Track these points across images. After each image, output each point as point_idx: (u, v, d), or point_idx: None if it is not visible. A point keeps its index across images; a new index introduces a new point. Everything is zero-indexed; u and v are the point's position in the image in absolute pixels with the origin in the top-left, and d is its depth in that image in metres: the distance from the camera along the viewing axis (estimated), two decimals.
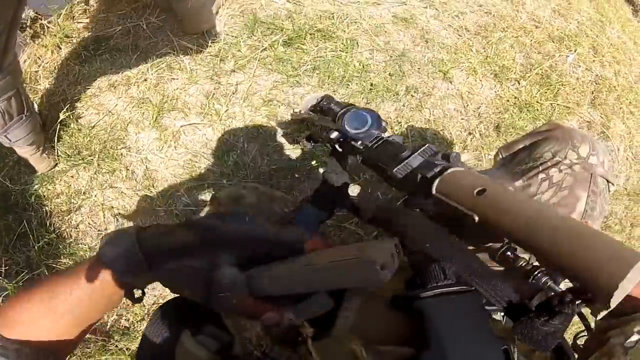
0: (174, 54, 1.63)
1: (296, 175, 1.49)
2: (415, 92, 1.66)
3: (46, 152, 1.55)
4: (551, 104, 1.80)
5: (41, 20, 1.87)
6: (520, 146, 0.99)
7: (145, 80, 1.60)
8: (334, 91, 1.54)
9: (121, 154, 1.51)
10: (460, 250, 0.52)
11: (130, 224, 1.44)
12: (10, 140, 1.47)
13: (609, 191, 0.93)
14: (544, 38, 2.03)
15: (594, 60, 2.08)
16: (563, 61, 1.97)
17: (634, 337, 0.52)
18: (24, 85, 1.53)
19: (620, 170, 1.88)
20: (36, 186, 1.56)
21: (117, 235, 0.50)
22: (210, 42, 1.63)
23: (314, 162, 1.52)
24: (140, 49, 1.68)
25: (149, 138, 1.50)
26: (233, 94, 1.54)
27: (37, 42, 1.86)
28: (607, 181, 0.92)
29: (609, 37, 2.35)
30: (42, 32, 1.87)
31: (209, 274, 0.46)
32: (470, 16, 1.91)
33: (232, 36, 1.66)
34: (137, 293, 0.52)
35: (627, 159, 1.89)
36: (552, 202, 0.87)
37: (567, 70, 1.95)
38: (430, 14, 1.82)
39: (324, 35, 1.64)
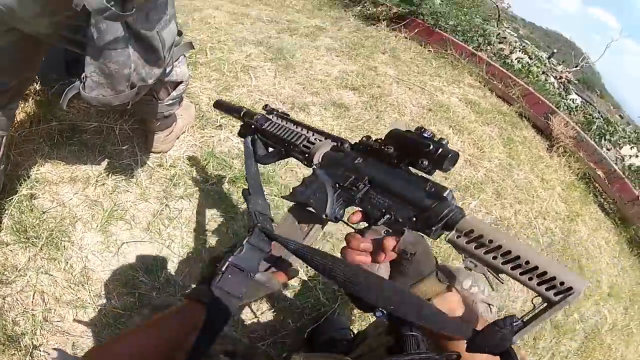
0: (134, 167, 1.88)
1: None
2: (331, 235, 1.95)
3: None
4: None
5: (36, 85, 2.04)
6: None
7: (103, 184, 1.83)
8: None
9: (64, 246, 1.69)
10: (416, 301, 0.68)
11: (59, 312, 1.57)
12: None
13: (491, 311, 1.16)
14: (451, 188, 2.34)
15: (495, 204, 2.44)
16: (465, 208, 2.27)
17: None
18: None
19: (517, 296, 2.15)
20: None
21: None
22: (168, 165, 1.89)
23: None
24: (106, 152, 1.92)
25: (93, 239, 1.71)
26: (176, 218, 1.79)
27: (23, 106, 2.01)
28: (488, 304, 1.15)
29: (515, 180, 2.73)
30: (30, 97, 2.04)
31: None
32: None
33: (188, 164, 1.95)
34: None
35: (523, 289, 2.14)
36: None
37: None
38: None
39: (264, 179, 1.96)
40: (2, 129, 1.53)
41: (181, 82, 1.71)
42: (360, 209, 0.79)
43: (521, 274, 0.58)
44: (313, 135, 0.95)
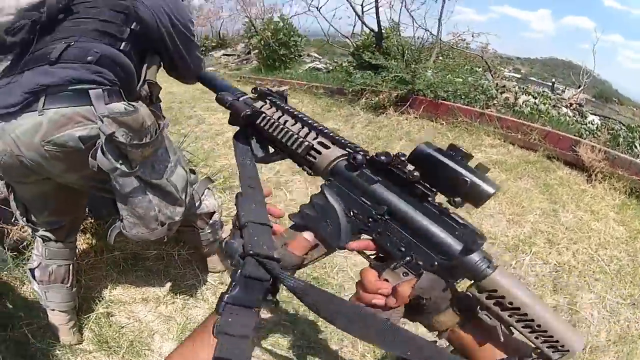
0: (198, 287, 2.28)
1: None
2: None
3: (74, 329, 1.87)
4: None
5: (90, 219, 2.44)
6: None
7: (173, 303, 2.19)
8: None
9: (145, 354, 1.96)
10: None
11: None
12: (47, 299, 1.78)
13: None
14: (502, 251, 2.45)
15: (550, 252, 2.45)
16: (520, 265, 2.34)
17: None
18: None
19: (599, 330, 2.04)
20: (58, 351, 1.81)
21: None
22: (229, 282, 2.34)
23: None
24: (170, 276, 2.32)
25: (171, 347, 1.99)
26: None
27: (84, 238, 2.40)
28: None
29: (564, 222, 2.68)
30: (88, 230, 2.43)
31: None
32: None
33: None
34: None
35: (603, 317, 2.10)
36: None
37: (525, 272, 2.27)
38: None
39: (319, 282, 2.29)
40: (67, 258, 1.88)
41: (214, 212, 2.04)
42: (372, 238, 0.72)
43: (530, 332, 0.61)
44: (318, 138, 0.80)
